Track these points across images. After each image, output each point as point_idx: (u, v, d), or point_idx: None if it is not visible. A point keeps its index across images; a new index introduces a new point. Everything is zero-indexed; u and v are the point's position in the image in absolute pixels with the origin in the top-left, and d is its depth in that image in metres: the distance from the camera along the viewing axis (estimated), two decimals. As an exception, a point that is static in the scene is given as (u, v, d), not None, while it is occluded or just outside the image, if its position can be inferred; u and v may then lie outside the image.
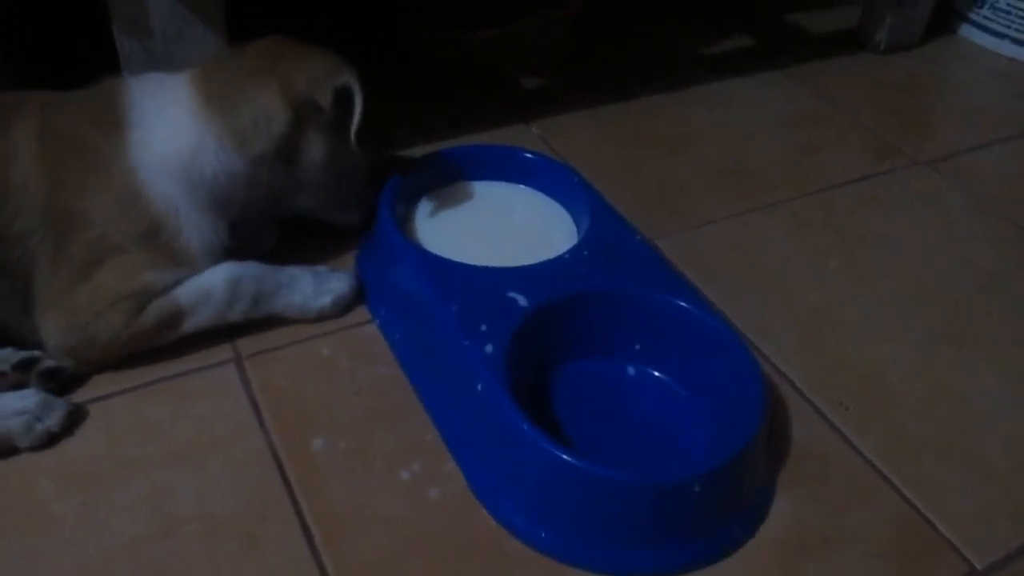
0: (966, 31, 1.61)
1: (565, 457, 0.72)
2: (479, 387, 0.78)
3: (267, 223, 0.99)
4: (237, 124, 0.88)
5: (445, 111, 1.30)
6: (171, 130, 0.87)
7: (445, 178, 1.04)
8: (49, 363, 0.84)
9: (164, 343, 0.88)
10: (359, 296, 0.96)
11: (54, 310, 0.85)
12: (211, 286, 0.87)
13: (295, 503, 0.77)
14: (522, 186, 1.05)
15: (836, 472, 0.83)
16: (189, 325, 0.88)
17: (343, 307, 0.95)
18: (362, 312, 0.95)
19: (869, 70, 1.50)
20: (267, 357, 0.90)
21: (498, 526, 0.76)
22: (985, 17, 1.58)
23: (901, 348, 0.96)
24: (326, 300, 0.93)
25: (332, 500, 0.77)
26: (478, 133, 1.23)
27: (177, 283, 0.87)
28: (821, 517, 0.79)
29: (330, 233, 1.01)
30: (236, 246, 0.91)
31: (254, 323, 0.91)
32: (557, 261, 0.90)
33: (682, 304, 0.86)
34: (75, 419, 0.82)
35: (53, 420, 0.80)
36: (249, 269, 0.90)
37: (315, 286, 0.93)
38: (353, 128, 0.91)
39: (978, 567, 0.76)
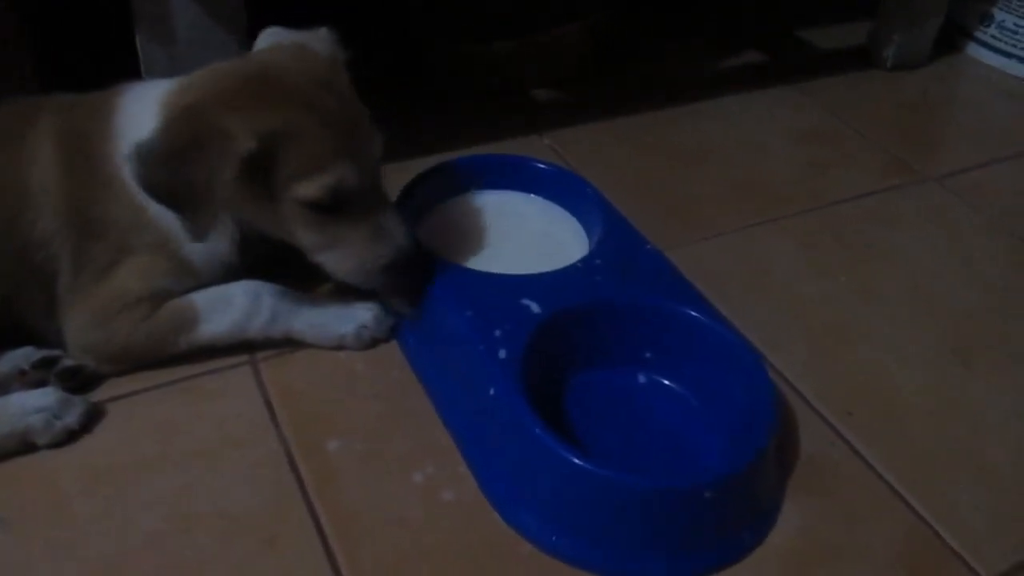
0: (973, 50, 1.63)
1: (578, 462, 0.73)
2: (492, 391, 0.79)
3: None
4: None
5: (459, 121, 1.31)
6: None
7: (459, 187, 1.05)
8: (68, 362, 0.85)
9: (183, 351, 0.88)
10: (388, 330, 0.93)
11: (75, 310, 0.86)
12: (231, 294, 0.88)
13: (310, 503, 0.78)
14: (535, 196, 1.06)
15: (845, 482, 0.84)
16: (205, 331, 0.88)
17: (367, 339, 0.92)
18: (376, 317, 0.96)
19: (878, 87, 1.51)
20: (283, 359, 0.91)
21: (510, 529, 0.77)
22: (992, 36, 1.59)
23: (910, 361, 0.97)
24: (348, 328, 0.91)
25: (346, 501, 0.78)
26: (491, 143, 1.24)
27: (193, 290, 0.88)
28: (830, 526, 0.80)
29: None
30: (250, 265, 0.90)
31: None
32: (570, 270, 0.91)
33: (693, 314, 0.87)
34: (93, 417, 0.83)
35: (72, 417, 0.81)
36: (272, 286, 0.89)
37: (338, 312, 0.92)
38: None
39: (985, 578, 0.77)
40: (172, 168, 0.75)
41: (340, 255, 0.84)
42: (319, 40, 0.87)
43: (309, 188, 0.78)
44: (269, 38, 0.88)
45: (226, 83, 0.80)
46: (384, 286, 0.87)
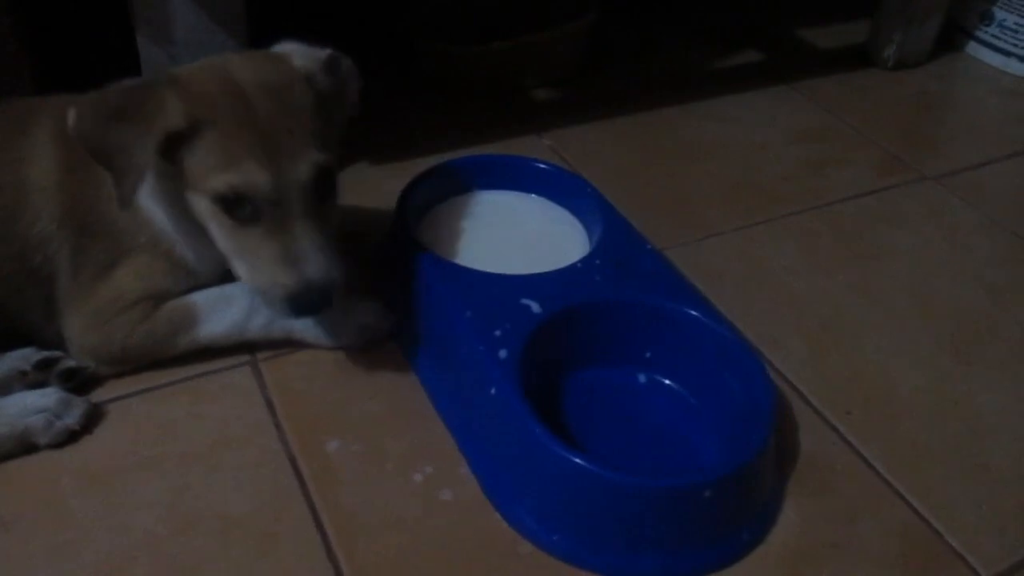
0: (973, 49, 1.63)
1: (578, 461, 0.73)
2: (492, 391, 0.79)
3: None
4: None
5: (458, 122, 1.32)
6: None
7: (459, 187, 1.05)
8: (69, 363, 0.85)
9: (182, 352, 0.89)
10: (388, 330, 0.93)
11: (75, 311, 0.86)
12: (231, 294, 0.88)
13: (310, 503, 0.78)
14: (534, 195, 1.06)
15: (844, 481, 0.84)
16: (205, 332, 0.88)
17: (367, 339, 0.92)
18: (376, 317, 0.96)
19: (877, 86, 1.51)
20: (283, 360, 0.91)
21: (510, 528, 0.77)
22: (992, 35, 1.59)
23: (909, 360, 0.98)
24: (348, 328, 0.92)
25: (346, 501, 0.78)
26: (491, 144, 1.24)
27: (192, 290, 0.88)
28: (829, 525, 0.80)
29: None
30: None
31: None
32: (570, 269, 0.91)
33: (693, 313, 0.87)
34: (94, 418, 0.84)
35: (72, 418, 0.81)
36: None
37: (340, 313, 0.91)
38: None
39: (984, 576, 0.77)
40: (105, 125, 0.75)
41: (247, 267, 0.80)
42: (314, 58, 0.83)
43: (216, 181, 0.76)
44: (293, 45, 0.85)
45: (182, 72, 0.80)
46: (288, 313, 0.80)
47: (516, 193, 1.06)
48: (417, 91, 1.40)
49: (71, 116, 0.76)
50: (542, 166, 1.07)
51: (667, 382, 0.89)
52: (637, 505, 0.73)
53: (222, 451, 0.82)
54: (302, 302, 0.78)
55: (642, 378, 0.89)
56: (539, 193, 1.06)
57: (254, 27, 1.00)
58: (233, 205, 0.77)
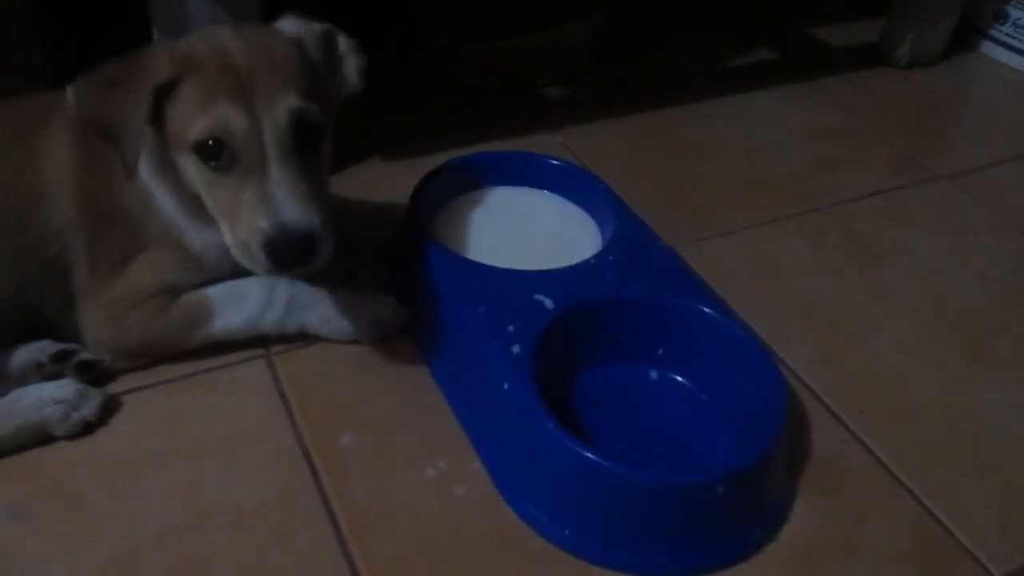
0: (987, 48, 1.62)
1: (590, 456, 0.73)
2: (506, 386, 0.80)
3: None
4: None
5: (470, 118, 1.32)
6: None
7: (472, 183, 1.05)
8: (85, 355, 0.86)
9: (197, 346, 0.89)
10: (402, 325, 0.94)
11: (91, 305, 0.87)
12: (246, 288, 0.89)
13: (323, 497, 0.79)
14: (547, 192, 1.06)
15: (855, 479, 0.84)
16: (220, 325, 0.89)
17: (381, 333, 0.93)
18: (389, 312, 0.97)
19: (890, 85, 1.51)
20: (296, 354, 0.92)
21: (522, 523, 0.77)
22: (1007, 34, 1.59)
23: (920, 359, 0.97)
24: (362, 322, 0.92)
25: (359, 495, 0.79)
26: (503, 140, 1.24)
27: (207, 284, 0.89)
28: (840, 523, 0.80)
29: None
30: None
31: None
32: (583, 266, 0.91)
33: (706, 310, 0.87)
34: (109, 410, 0.84)
35: (89, 409, 0.82)
36: (286, 280, 0.89)
37: (352, 306, 0.92)
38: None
39: (996, 575, 0.77)
40: (101, 94, 0.77)
41: (228, 221, 0.78)
42: (309, 30, 0.83)
43: (193, 129, 0.76)
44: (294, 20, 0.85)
45: (173, 42, 0.81)
46: (272, 270, 0.78)
47: (529, 189, 1.06)
48: (429, 88, 1.40)
49: (70, 94, 0.78)
50: (554, 162, 1.07)
51: (679, 379, 0.89)
52: (649, 501, 0.74)
53: (236, 444, 0.83)
54: (280, 248, 0.75)
55: (654, 375, 0.89)
56: (551, 189, 1.06)
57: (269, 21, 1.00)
58: (211, 154, 0.77)
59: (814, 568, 0.76)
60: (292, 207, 0.76)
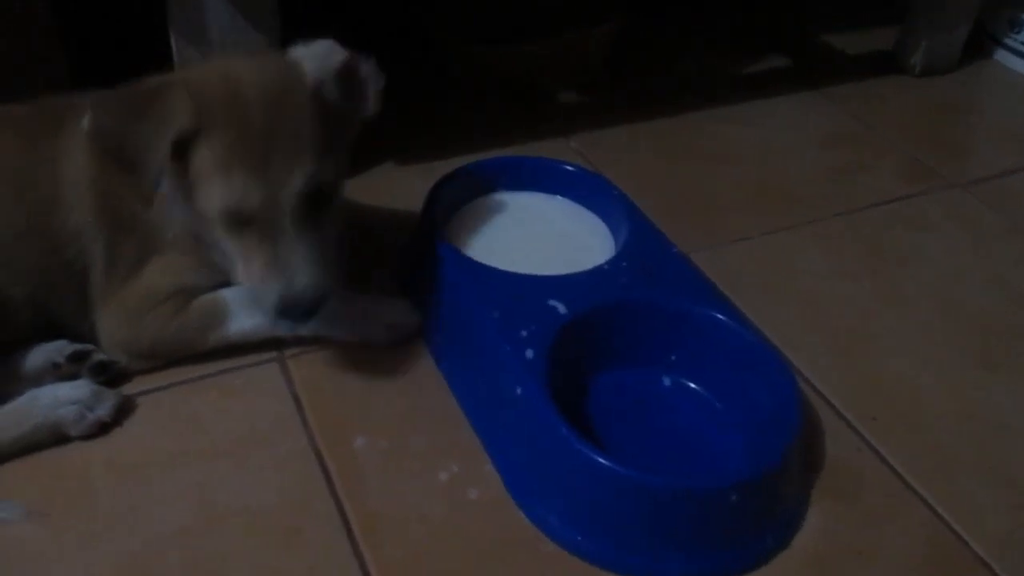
0: (1001, 56, 1.62)
1: (603, 462, 0.73)
2: (519, 391, 0.80)
3: None
4: None
5: (484, 123, 1.33)
6: None
7: (486, 188, 1.06)
8: (101, 357, 0.87)
9: (211, 348, 0.90)
10: (415, 329, 0.94)
11: (107, 307, 0.87)
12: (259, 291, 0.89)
13: (336, 499, 0.79)
14: (560, 197, 1.06)
15: (869, 487, 0.84)
16: (234, 328, 0.89)
17: (394, 337, 0.93)
18: (402, 316, 0.97)
19: (904, 93, 1.51)
20: (310, 357, 0.92)
21: (534, 528, 0.77)
22: (1022, 43, 1.58)
23: (934, 367, 0.97)
24: (376, 325, 0.92)
25: (372, 497, 0.79)
26: (517, 145, 1.25)
27: (222, 286, 0.89)
28: (853, 531, 0.80)
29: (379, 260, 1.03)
30: None
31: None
32: (596, 271, 0.91)
33: (719, 317, 0.87)
34: (124, 411, 0.85)
35: (104, 410, 0.82)
36: None
37: (366, 309, 0.93)
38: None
39: (1010, 585, 0.77)
40: (121, 125, 0.77)
41: (242, 268, 0.81)
42: (327, 65, 0.81)
43: (212, 194, 0.78)
44: (316, 48, 0.84)
45: (191, 73, 0.81)
46: (277, 318, 0.82)
47: (542, 195, 1.06)
48: (444, 92, 1.40)
49: (88, 119, 0.78)
50: (568, 168, 1.07)
51: (692, 385, 0.89)
52: (662, 507, 0.74)
53: (249, 446, 0.83)
54: (290, 309, 0.79)
55: (667, 381, 0.89)
56: (565, 195, 1.06)
57: (287, 27, 1.01)
58: (229, 214, 0.78)
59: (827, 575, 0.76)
60: (302, 275, 0.78)
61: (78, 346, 0.86)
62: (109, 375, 0.87)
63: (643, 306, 0.88)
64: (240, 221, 0.78)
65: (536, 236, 1.01)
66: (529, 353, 0.81)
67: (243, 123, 0.76)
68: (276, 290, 0.78)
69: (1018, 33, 1.59)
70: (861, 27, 1.68)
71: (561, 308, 0.86)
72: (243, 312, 0.89)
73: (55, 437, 0.81)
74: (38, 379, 0.84)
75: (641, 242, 0.96)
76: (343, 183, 0.85)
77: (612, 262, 0.93)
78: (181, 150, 0.77)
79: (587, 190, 1.05)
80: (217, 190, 0.77)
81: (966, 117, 1.48)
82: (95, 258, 0.86)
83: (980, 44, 1.62)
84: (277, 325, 0.88)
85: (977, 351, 1.00)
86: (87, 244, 0.86)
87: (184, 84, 0.77)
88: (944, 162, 1.33)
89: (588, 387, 0.88)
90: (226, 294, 0.89)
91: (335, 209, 0.83)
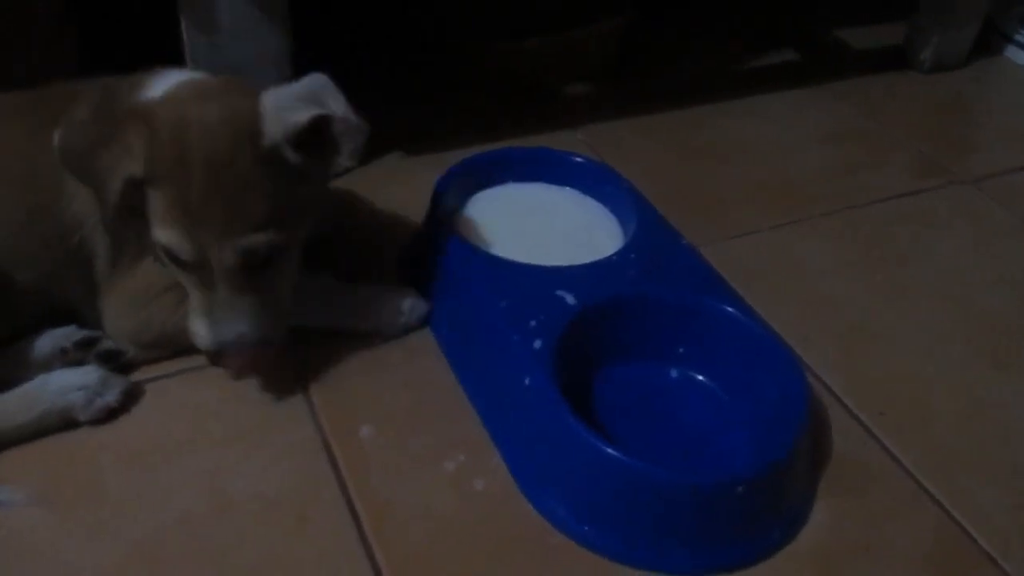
0: (1012, 52, 1.61)
1: (611, 453, 0.73)
2: (527, 381, 0.80)
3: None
4: None
5: (492, 116, 1.32)
6: None
7: (494, 178, 1.05)
8: (108, 344, 0.87)
9: None
10: (422, 318, 0.94)
11: (112, 297, 0.87)
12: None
13: (343, 488, 0.79)
14: (569, 188, 1.06)
15: (876, 482, 0.84)
16: None
17: (401, 327, 0.93)
18: (410, 306, 0.97)
19: (913, 88, 1.50)
20: (318, 345, 0.92)
21: (542, 519, 0.77)
22: (1031, 40, 1.58)
23: (942, 363, 0.97)
24: (383, 316, 0.93)
25: (379, 487, 0.79)
26: (525, 138, 1.24)
27: None
28: (860, 526, 0.80)
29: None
30: None
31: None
32: (605, 263, 0.91)
33: (728, 309, 0.87)
34: (132, 397, 0.85)
35: (112, 396, 0.83)
36: (308, 274, 0.88)
37: (373, 300, 0.93)
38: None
39: (1017, 581, 0.77)
40: (82, 155, 0.77)
41: (189, 296, 0.82)
42: (292, 124, 0.76)
43: (155, 233, 0.78)
44: (287, 98, 0.79)
45: (152, 107, 0.78)
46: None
47: (550, 186, 1.06)
48: (452, 86, 1.40)
49: (56, 138, 0.78)
50: (577, 159, 1.07)
51: (699, 378, 0.89)
52: (669, 499, 0.74)
53: (257, 434, 0.83)
54: (217, 357, 0.81)
55: (674, 373, 0.89)
56: (573, 186, 1.06)
57: (297, 18, 1.01)
58: (169, 258, 0.79)
59: (833, 571, 0.76)
60: (232, 327, 0.79)
61: (86, 332, 0.86)
62: (115, 364, 0.86)
63: (651, 298, 0.88)
64: (178, 264, 0.79)
65: (544, 227, 1.01)
66: (537, 343, 0.81)
67: (185, 183, 0.75)
68: (206, 339, 0.79)
69: (1028, 30, 1.58)
70: (870, 22, 1.68)
71: (569, 299, 0.86)
72: None
73: (64, 422, 0.81)
74: (47, 365, 0.84)
75: (650, 234, 0.96)
76: (301, 236, 0.83)
77: (621, 254, 0.93)
78: (131, 189, 0.76)
79: (596, 181, 1.05)
80: (158, 232, 0.77)
81: (975, 113, 1.48)
82: (98, 247, 0.86)
83: (990, 40, 1.62)
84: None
85: (985, 348, 0.99)
86: (90, 232, 0.86)
87: (145, 122, 0.76)
88: (953, 158, 1.32)
89: (595, 379, 0.88)
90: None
91: (286, 262, 0.81)
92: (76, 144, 0.78)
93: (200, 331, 0.80)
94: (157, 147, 0.75)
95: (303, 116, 0.76)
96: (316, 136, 0.78)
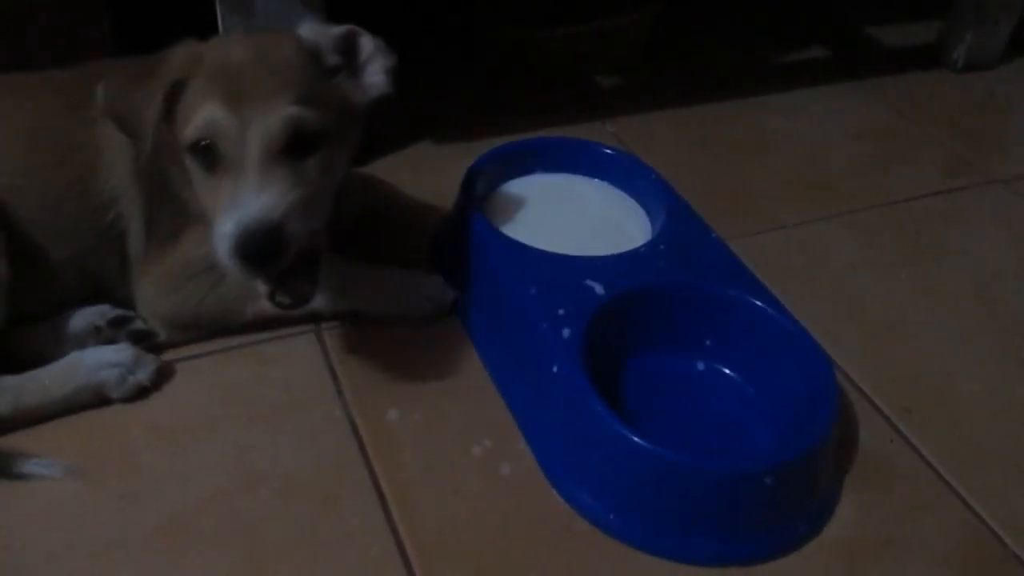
0: (1046, 53, 1.59)
1: (638, 441, 0.73)
2: (555, 369, 0.80)
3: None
4: None
5: (523, 105, 1.32)
6: None
7: (524, 168, 1.05)
8: (140, 324, 0.88)
9: (248, 320, 0.90)
10: (450, 304, 0.94)
11: (147, 275, 0.88)
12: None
13: (370, 469, 0.80)
14: (598, 180, 1.06)
15: (902, 478, 0.83)
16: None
17: (429, 312, 0.93)
18: (438, 292, 0.97)
19: (946, 87, 1.49)
20: (346, 329, 0.93)
21: (567, 506, 0.78)
22: (1067, 40, 1.56)
23: (970, 362, 0.96)
24: (411, 300, 0.93)
25: (406, 469, 0.80)
26: (554, 128, 1.24)
27: None
28: (886, 521, 0.79)
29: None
30: None
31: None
32: (634, 253, 0.91)
33: (756, 303, 0.87)
34: (164, 375, 0.86)
35: (144, 374, 0.84)
36: (338, 258, 0.90)
37: (402, 284, 0.94)
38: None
39: (1044, 581, 0.76)
40: (124, 90, 0.79)
41: (213, 227, 0.75)
42: (325, 34, 0.81)
43: (188, 128, 0.76)
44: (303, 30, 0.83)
45: (192, 43, 0.81)
46: (238, 267, 0.74)
47: (580, 177, 1.06)
48: (482, 73, 1.40)
49: (99, 91, 0.80)
50: (607, 150, 1.07)
51: (726, 371, 0.89)
52: (697, 488, 0.74)
53: (286, 414, 0.84)
54: (243, 250, 0.72)
55: (701, 365, 0.89)
56: (602, 177, 1.06)
57: (331, 2, 1.01)
58: (202, 153, 0.76)
59: (857, 565, 0.76)
60: (251, 207, 0.73)
61: (119, 311, 0.87)
62: (146, 343, 0.87)
63: (679, 290, 0.88)
64: (212, 159, 0.76)
65: (573, 217, 1.01)
66: (566, 332, 0.81)
67: (225, 63, 0.77)
68: (228, 228, 0.73)
69: (1064, 30, 1.56)
70: (903, 20, 1.67)
71: (598, 288, 0.86)
72: None
73: (96, 399, 0.82)
74: (81, 342, 0.85)
75: (679, 226, 0.96)
76: (340, 146, 0.81)
77: (649, 245, 0.93)
78: (171, 108, 0.78)
79: (625, 173, 1.05)
80: (192, 122, 0.76)
81: (1008, 113, 1.46)
82: (133, 223, 0.87)
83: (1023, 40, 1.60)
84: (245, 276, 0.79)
85: (1013, 347, 0.99)
86: (125, 208, 0.87)
87: (187, 46, 0.79)
88: (984, 158, 1.31)
89: (621, 369, 0.88)
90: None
91: (325, 160, 0.78)
92: (119, 84, 0.80)
93: (223, 225, 0.73)
94: (196, 54, 0.78)
95: (336, 29, 0.82)
96: (347, 49, 0.82)
